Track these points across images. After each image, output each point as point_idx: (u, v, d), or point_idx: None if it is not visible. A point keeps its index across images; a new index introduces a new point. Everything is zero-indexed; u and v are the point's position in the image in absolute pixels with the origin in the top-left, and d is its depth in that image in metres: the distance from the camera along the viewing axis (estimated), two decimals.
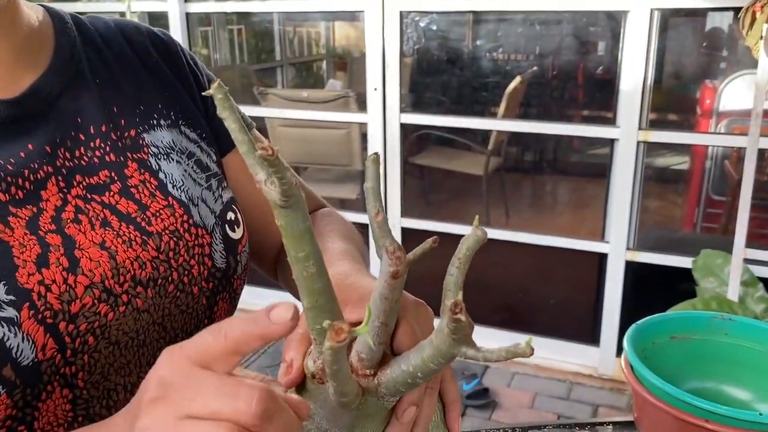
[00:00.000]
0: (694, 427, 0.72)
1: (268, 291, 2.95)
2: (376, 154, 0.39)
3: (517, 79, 3.09)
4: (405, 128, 2.65)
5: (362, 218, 3.08)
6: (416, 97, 3.32)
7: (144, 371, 0.55)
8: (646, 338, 0.86)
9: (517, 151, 3.93)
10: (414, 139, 3.40)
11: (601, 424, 0.93)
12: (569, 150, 4.08)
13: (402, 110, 2.58)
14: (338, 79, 3.83)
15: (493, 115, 3.11)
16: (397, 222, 2.72)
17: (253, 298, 2.91)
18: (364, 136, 2.87)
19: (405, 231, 2.72)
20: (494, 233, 2.68)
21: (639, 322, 0.87)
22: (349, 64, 4.36)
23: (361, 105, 2.82)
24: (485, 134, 3.36)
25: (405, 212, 2.71)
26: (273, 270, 0.75)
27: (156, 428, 0.34)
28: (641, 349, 0.81)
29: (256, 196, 0.69)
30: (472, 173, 3.36)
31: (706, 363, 0.88)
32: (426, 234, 0.41)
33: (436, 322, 0.39)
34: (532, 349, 0.34)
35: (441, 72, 3.34)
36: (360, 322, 0.44)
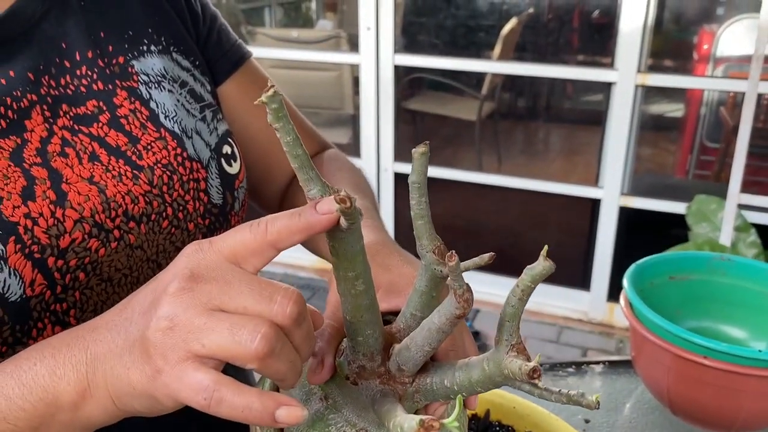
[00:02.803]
0: (692, 364, 0.72)
1: None
2: (426, 144, 0.36)
3: (513, 21, 3.01)
4: (398, 70, 2.59)
5: (354, 163, 2.98)
6: (409, 38, 3.24)
7: None
8: (645, 278, 0.85)
9: (510, 96, 3.87)
10: (406, 83, 3.33)
11: (596, 362, 0.93)
12: (563, 97, 4.02)
13: (396, 51, 2.52)
14: (328, 20, 3.73)
15: (488, 58, 3.04)
16: (389, 167, 2.69)
17: None
18: (356, 80, 2.80)
19: (398, 176, 2.70)
20: (486, 179, 2.66)
21: (638, 261, 0.86)
22: (339, 3, 4.24)
23: (353, 46, 2.75)
24: (479, 78, 3.30)
25: (397, 157, 2.68)
26: (276, 211, 0.72)
27: (183, 317, 0.33)
28: (640, 289, 0.81)
29: (254, 129, 0.66)
30: (465, 118, 3.31)
31: (703, 303, 0.88)
32: None
33: None
34: (598, 404, 0.34)
35: (435, 12, 3.25)
36: (389, 313, 0.44)
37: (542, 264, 0.33)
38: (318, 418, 0.41)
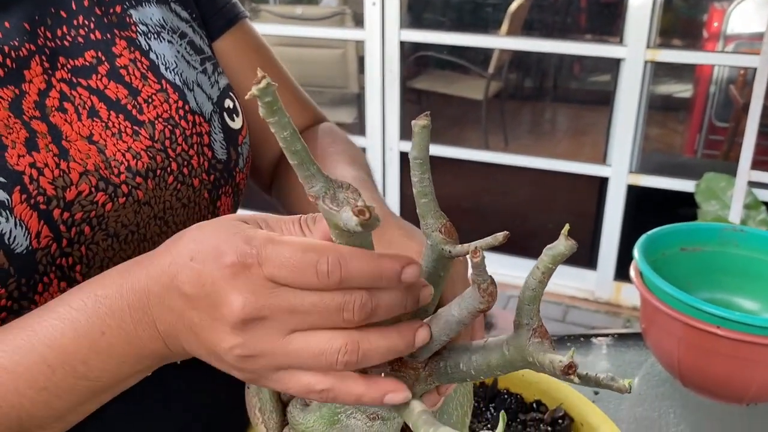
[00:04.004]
0: (704, 334, 0.71)
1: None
2: (426, 116, 0.34)
3: None
4: (404, 47, 2.56)
5: (359, 142, 2.96)
6: (415, 16, 3.20)
7: None
8: (656, 249, 0.84)
9: (517, 76, 3.84)
10: (412, 62, 3.30)
11: (605, 335, 0.92)
12: (570, 76, 3.98)
13: (401, 27, 2.48)
14: None
15: (496, 35, 3.00)
16: (395, 146, 2.67)
17: None
18: (361, 59, 2.78)
19: (403, 155, 2.68)
20: (493, 157, 2.64)
21: (650, 232, 0.85)
22: None
23: (358, 23, 2.72)
24: (485, 57, 3.27)
25: (403, 136, 2.66)
26: (267, 184, 0.71)
27: (259, 349, 0.33)
28: (651, 260, 0.79)
29: (247, 89, 0.64)
30: (471, 98, 3.28)
31: (715, 274, 0.87)
32: None
33: None
34: (630, 389, 0.33)
35: None
36: None
37: (563, 243, 0.31)
38: (327, 403, 0.40)
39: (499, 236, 0.34)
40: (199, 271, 0.33)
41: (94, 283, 0.39)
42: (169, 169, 0.51)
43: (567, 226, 0.31)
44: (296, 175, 0.32)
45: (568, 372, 0.31)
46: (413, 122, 0.34)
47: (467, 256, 0.33)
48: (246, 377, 0.36)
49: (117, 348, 0.37)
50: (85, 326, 0.38)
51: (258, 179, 0.71)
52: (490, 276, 0.33)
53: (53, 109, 0.47)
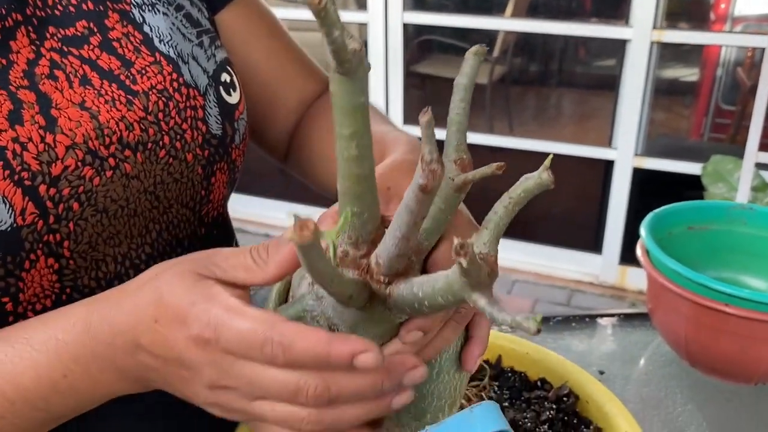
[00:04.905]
0: (712, 312, 0.69)
1: (265, 200, 2.92)
2: (482, 46, 0.34)
3: None
4: (407, 29, 2.54)
5: None
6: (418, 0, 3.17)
7: (135, 242, 0.51)
8: (663, 227, 0.82)
9: (522, 60, 3.80)
10: (415, 46, 3.27)
11: (611, 315, 0.91)
12: (576, 60, 3.94)
13: (404, 9, 2.46)
14: None
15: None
16: None
17: (245, 207, 2.90)
18: (364, 43, 2.75)
19: None
20: (498, 141, 2.62)
21: (656, 210, 0.83)
22: None
23: (361, 6, 2.70)
24: (490, 40, 3.23)
25: (407, 121, 2.64)
26: (282, 155, 0.69)
27: (236, 410, 0.36)
28: (658, 239, 0.78)
29: (255, 62, 0.63)
30: (475, 82, 3.25)
31: (723, 253, 0.85)
32: None
33: None
34: (539, 329, 0.30)
35: None
36: None
37: (540, 175, 0.30)
38: (299, 301, 0.39)
39: (493, 166, 0.34)
40: (165, 335, 0.35)
41: (56, 324, 0.39)
42: (161, 142, 0.50)
43: (551, 156, 0.30)
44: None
45: (459, 252, 0.29)
46: (468, 51, 0.34)
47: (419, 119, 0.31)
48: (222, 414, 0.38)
49: (81, 389, 0.38)
50: (47, 368, 0.38)
51: (272, 151, 0.69)
52: (438, 152, 0.30)
53: (43, 76, 0.46)
